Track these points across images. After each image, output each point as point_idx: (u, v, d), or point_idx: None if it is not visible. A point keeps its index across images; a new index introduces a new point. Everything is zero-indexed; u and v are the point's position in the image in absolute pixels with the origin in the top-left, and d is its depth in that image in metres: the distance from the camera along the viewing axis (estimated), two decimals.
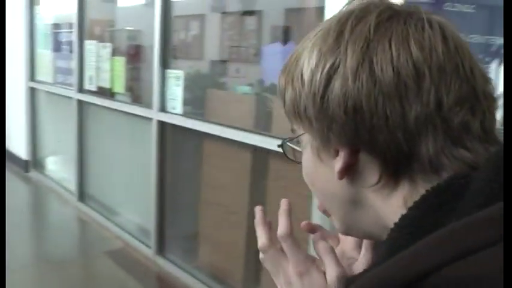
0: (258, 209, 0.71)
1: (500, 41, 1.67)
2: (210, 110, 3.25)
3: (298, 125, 0.59)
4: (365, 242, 0.68)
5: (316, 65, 0.54)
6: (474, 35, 1.67)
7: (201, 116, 3.15)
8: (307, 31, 0.59)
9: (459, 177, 0.50)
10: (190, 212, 3.27)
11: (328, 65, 0.53)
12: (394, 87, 0.51)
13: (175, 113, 3.12)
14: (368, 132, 0.52)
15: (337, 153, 0.55)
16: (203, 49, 5.14)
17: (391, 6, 0.55)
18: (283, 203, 0.69)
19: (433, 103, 0.51)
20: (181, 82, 3.10)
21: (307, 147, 0.59)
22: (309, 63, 0.55)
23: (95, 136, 4.21)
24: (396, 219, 0.52)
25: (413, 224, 0.50)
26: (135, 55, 3.89)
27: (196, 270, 3.10)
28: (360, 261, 0.68)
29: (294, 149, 0.63)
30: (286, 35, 4.04)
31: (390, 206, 0.55)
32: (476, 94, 0.53)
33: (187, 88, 3.14)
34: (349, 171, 0.55)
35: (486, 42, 1.69)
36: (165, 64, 3.17)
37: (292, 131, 0.61)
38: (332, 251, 0.64)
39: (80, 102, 4.21)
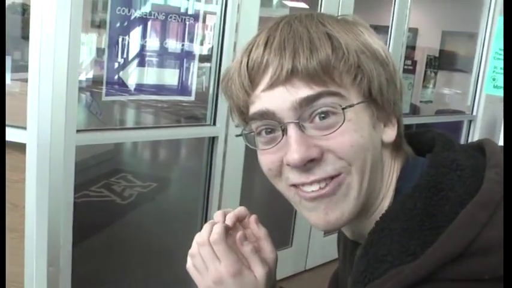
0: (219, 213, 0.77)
1: None
2: None
3: (355, 98, 0.63)
4: (265, 234, 0.77)
5: (382, 49, 0.65)
6: None
7: None
8: None
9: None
10: None
11: (386, 48, 0.66)
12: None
13: None
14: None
15: (389, 121, 0.67)
16: None
17: None
18: (218, 215, 0.76)
19: None
20: None
21: (358, 117, 0.63)
22: (376, 43, 0.65)
23: None
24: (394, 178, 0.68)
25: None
26: None
27: None
28: (268, 251, 0.76)
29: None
30: None
31: (395, 164, 0.69)
32: None
33: None
34: None
35: None
36: None
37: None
38: (255, 252, 0.73)
39: None
